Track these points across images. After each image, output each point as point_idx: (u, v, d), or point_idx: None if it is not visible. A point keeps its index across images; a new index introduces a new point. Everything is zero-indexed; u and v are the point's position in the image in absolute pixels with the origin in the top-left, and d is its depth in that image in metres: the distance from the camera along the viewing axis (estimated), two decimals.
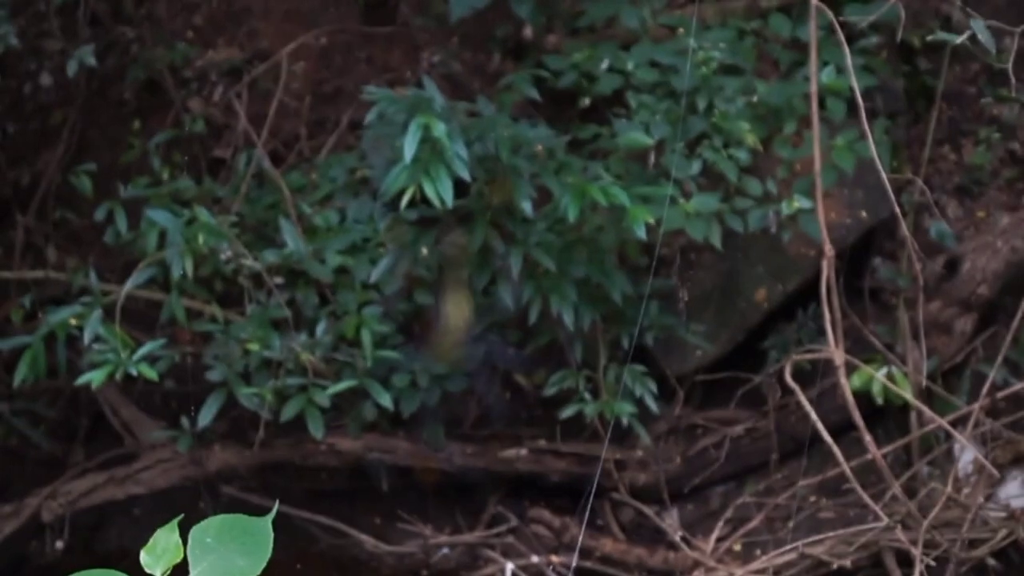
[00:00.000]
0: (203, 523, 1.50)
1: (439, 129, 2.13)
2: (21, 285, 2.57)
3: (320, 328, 2.36)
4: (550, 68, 2.55)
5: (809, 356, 2.39)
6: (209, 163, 2.73)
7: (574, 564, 2.49)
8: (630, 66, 2.51)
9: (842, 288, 2.37)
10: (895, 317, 2.57)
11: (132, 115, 2.84)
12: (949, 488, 2.32)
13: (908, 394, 2.32)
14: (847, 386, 2.19)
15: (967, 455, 2.53)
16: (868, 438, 2.19)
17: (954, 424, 2.33)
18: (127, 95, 2.85)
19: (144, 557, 1.48)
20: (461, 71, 2.86)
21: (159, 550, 1.48)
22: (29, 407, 2.62)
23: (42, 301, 2.46)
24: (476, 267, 2.35)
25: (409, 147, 2.11)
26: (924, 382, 2.44)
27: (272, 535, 1.49)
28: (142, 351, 2.18)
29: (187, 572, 1.42)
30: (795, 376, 2.26)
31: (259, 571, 1.47)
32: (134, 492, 2.50)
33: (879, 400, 2.33)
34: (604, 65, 2.53)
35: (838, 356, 2.22)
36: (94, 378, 2.15)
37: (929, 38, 2.46)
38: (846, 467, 2.16)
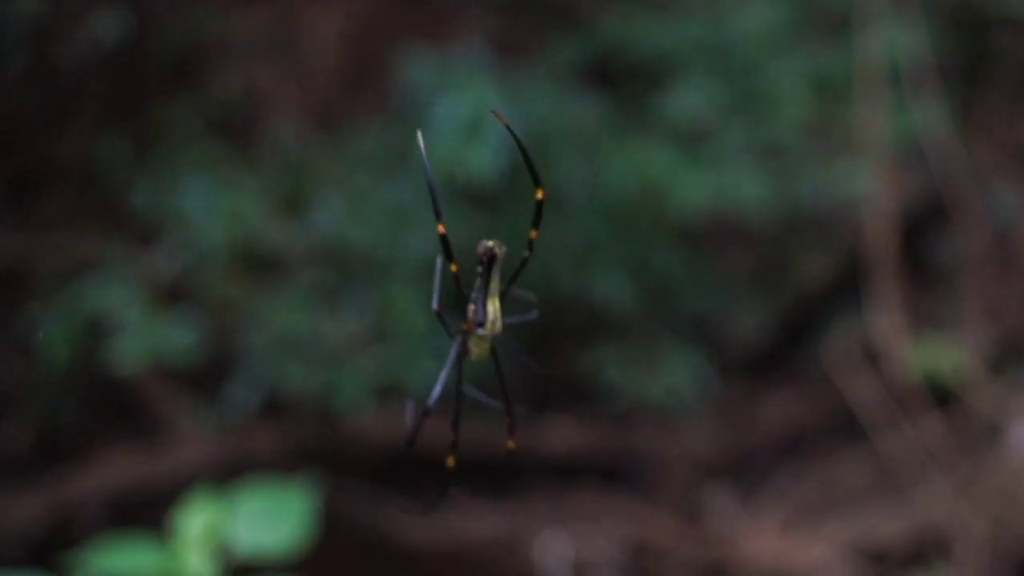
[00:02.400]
0: (244, 490, 1.54)
1: (486, 98, 2.14)
2: (43, 259, 2.61)
3: (356, 305, 2.39)
4: (595, 38, 2.57)
5: (863, 334, 2.40)
6: (242, 133, 2.76)
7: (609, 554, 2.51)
8: (678, 36, 2.52)
9: (901, 264, 2.37)
10: (956, 294, 2.57)
11: (161, 85, 2.87)
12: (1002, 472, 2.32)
13: (969, 374, 2.33)
14: (903, 364, 2.20)
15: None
16: (918, 422, 2.20)
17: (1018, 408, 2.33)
18: (156, 64, 2.89)
19: (179, 521, 1.53)
20: (504, 41, 2.88)
21: (196, 515, 1.52)
22: (58, 385, 2.67)
23: (64, 275, 2.49)
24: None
25: (452, 118, 2.12)
26: (985, 362, 2.44)
27: (314, 507, 1.53)
28: (171, 324, 2.21)
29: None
30: (853, 354, 2.27)
31: (300, 542, 1.52)
32: (167, 472, 2.55)
33: (939, 380, 2.33)
34: (651, 35, 2.55)
35: (895, 333, 2.23)
36: (124, 353, 2.18)
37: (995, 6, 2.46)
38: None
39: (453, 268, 0.91)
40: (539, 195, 0.90)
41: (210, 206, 2.27)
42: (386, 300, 2.37)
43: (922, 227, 2.68)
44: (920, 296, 2.61)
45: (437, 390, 0.95)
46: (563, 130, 2.33)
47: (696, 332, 2.48)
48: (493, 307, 0.94)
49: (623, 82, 2.59)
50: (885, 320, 2.28)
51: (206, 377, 2.58)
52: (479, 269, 0.94)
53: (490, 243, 0.94)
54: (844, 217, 2.55)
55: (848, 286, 2.59)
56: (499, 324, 0.94)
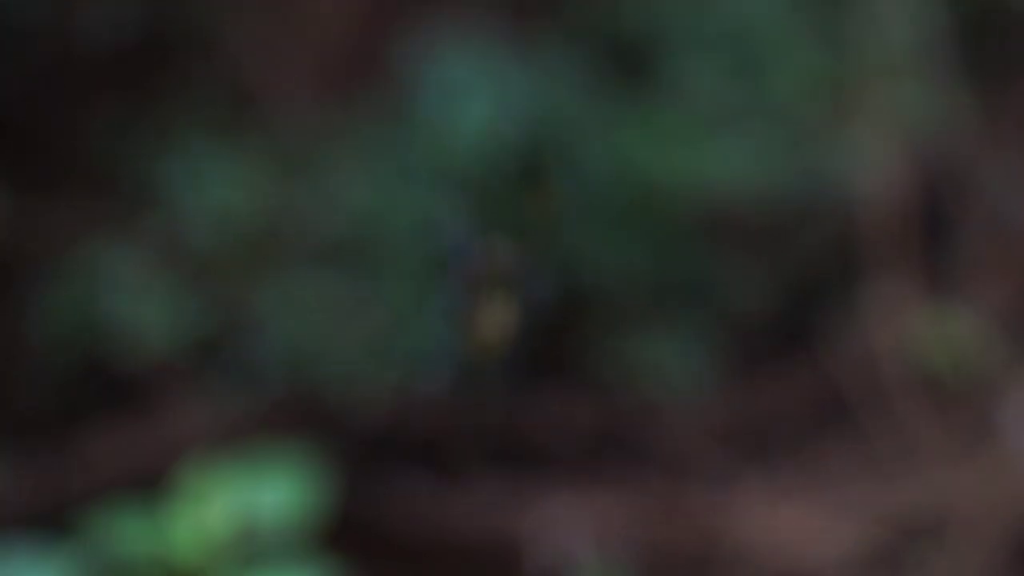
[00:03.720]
0: (245, 462, 1.55)
1: (502, 85, 2.12)
2: (38, 229, 2.60)
3: (371, 295, 2.37)
4: (595, 24, 2.55)
5: (864, 312, 2.41)
6: (251, 109, 2.75)
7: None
8: (684, 23, 2.50)
9: (907, 235, 2.36)
10: (968, 276, 2.58)
11: (167, 61, 2.86)
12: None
13: (981, 352, 2.33)
14: (909, 341, 2.21)
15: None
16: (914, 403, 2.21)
17: None
18: (163, 39, 2.87)
19: (177, 494, 1.54)
20: (512, 26, 2.87)
21: (195, 487, 1.54)
22: (54, 360, 2.67)
23: (61, 245, 2.48)
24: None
25: (470, 104, 2.11)
26: (990, 337, 2.44)
27: (320, 480, 1.54)
28: (174, 296, 2.20)
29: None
30: (865, 330, 2.27)
31: (299, 518, 1.53)
32: (164, 447, 2.56)
33: (950, 358, 2.33)
34: (655, 22, 2.53)
35: (906, 309, 2.24)
36: (130, 326, 2.17)
37: None
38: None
39: None
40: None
41: (216, 175, 2.25)
42: (386, 294, 2.35)
43: (931, 197, 2.67)
44: (926, 269, 2.61)
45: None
46: (560, 126, 2.31)
47: (698, 303, 2.48)
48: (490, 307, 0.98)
49: (625, 71, 2.59)
50: (887, 294, 2.28)
51: (208, 357, 2.59)
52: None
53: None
54: (849, 187, 2.55)
55: (856, 269, 2.60)
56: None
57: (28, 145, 2.75)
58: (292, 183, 2.39)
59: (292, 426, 2.60)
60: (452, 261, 2.41)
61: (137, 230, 2.32)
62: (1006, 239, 2.59)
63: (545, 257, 2.39)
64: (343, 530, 2.62)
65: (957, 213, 2.65)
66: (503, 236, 2.37)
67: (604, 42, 2.54)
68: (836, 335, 2.47)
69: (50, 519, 2.59)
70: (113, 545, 1.39)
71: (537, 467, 2.67)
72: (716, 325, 2.49)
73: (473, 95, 2.12)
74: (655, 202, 2.37)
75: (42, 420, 2.67)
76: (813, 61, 2.48)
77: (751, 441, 2.61)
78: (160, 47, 2.80)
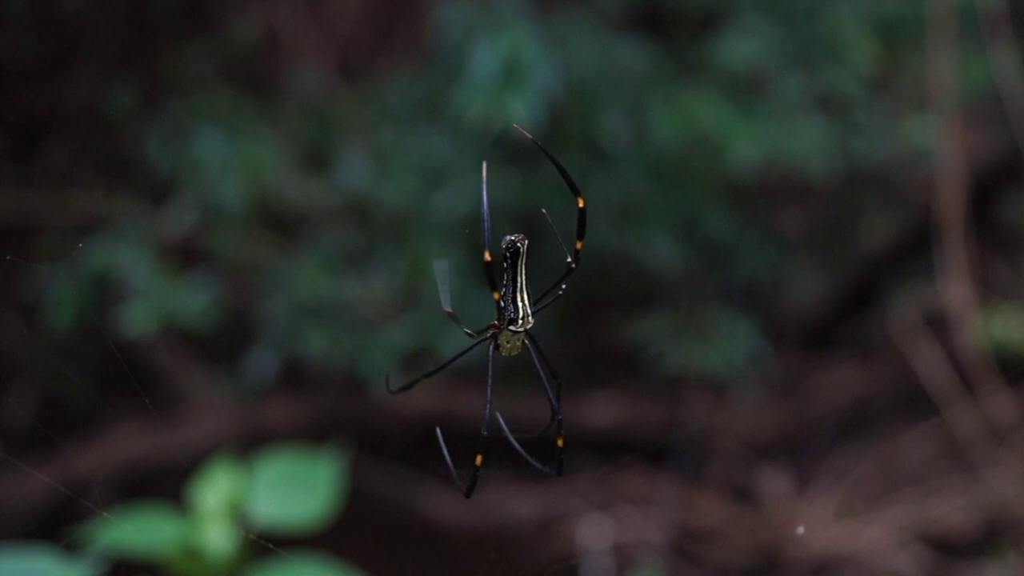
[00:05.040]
0: (266, 460, 1.50)
1: (524, 45, 2.09)
2: (47, 217, 2.59)
3: (383, 269, 2.35)
4: None
5: (930, 302, 2.35)
6: (261, 82, 2.72)
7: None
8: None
9: (972, 226, 2.32)
10: None
11: (173, 31, 2.83)
12: None
13: None
14: (974, 334, 2.15)
15: None
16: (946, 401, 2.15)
17: None
18: (168, 8, 2.84)
19: (198, 490, 1.48)
20: None
21: (214, 485, 1.47)
22: (63, 352, 2.65)
23: (71, 233, 2.46)
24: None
25: (484, 65, 2.07)
26: None
27: (339, 478, 1.48)
28: (184, 284, 2.18)
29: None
30: (920, 323, 2.22)
31: (324, 514, 1.47)
32: (181, 445, 2.53)
33: (1012, 351, 2.28)
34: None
35: (964, 301, 2.18)
36: (135, 316, 2.15)
37: None
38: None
39: (496, 296, 0.96)
40: (580, 204, 0.95)
41: (226, 158, 2.23)
42: (415, 262, 2.33)
43: (996, 186, 2.62)
44: (992, 260, 2.56)
45: (487, 413, 1.00)
46: (607, 79, 2.27)
47: (750, 298, 2.43)
48: (523, 302, 0.98)
49: (672, 27, 2.53)
50: (955, 286, 2.22)
51: (223, 345, 2.55)
52: (505, 265, 0.97)
53: (513, 237, 0.97)
54: (911, 175, 2.49)
55: (915, 250, 2.54)
56: (531, 320, 0.98)
57: (49, 121, 2.73)
58: (302, 167, 2.36)
59: (311, 423, 2.57)
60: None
61: (134, 212, 2.29)
62: None
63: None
64: (372, 519, 2.59)
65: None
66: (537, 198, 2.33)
67: (640, 6, 2.50)
68: (899, 327, 2.42)
69: (73, 514, 2.57)
70: (138, 540, 1.37)
71: (568, 469, 2.63)
72: (767, 316, 2.44)
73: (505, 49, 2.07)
74: (692, 177, 2.33)
75: (63, 414, 2.65)
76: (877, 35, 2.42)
77: (802, 444, 2.56)
78: (191, 11, 2.77)
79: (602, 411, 2.58)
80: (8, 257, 2.17)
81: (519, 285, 0.98)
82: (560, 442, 1.10)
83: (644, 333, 2.40)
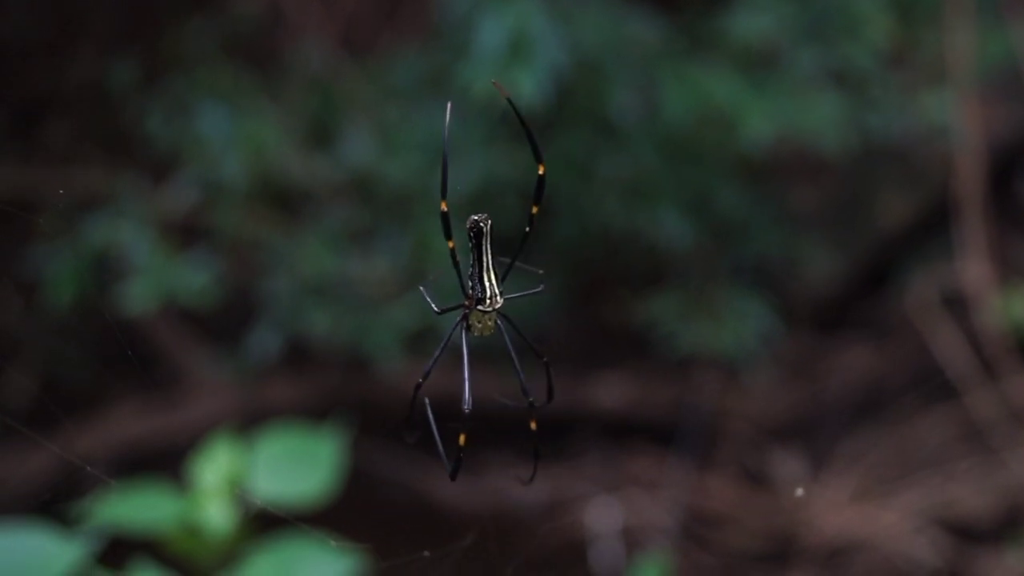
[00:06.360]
0: (268, 438, 1.51)
1: (531, 19, 2.09)
2: (48, 194, 2.59)
3: (388, 247, 2.35)
4: None
5: (947, 282, 2.35)
6: (263, 58, 2.73)
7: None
8: None
9: (990, 204, 2.32)
10: None
11: (175, 6, 2.84)
12: None
13: None
14: (992, 315, 2.15)
15: None
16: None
17: None
18: None
19: (197, 469, 1.49)
20: None
21: (214, 462, 1.49)
22: (63, 330, 2.66)
23: (72, 210, 2.46)
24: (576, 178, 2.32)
25: (491, 40, 2.07)
26: None
27: (340, 456, 1.49)
28: (185, 262, 2.18)
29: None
30: (939, 304, 2.23)
31: (325, 491, 1.48)
32: (182, 425, 2.54)
33: None
34: None
35: (982, 280, 2.18)
36: (135, 294, 2.16)
37: None
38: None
39: (451, 245, 0.95)
40: (540, 171, 0.95)
41: (229, 134, 2.23)
42: (419, 241, 2.33)
43: (1015, 163, 2.62)
44: (1012, 238, 2.55)
45: (467, 394, 1.01)
46: (616, 53, 2.27)
47: (762, 277, 2.43)
48: (490, 282, 0.99)
49: (684, 1, 2.53)
50: (973, 265, 2.22)
51: (225, 323, 2.56)
52: (470, 244, 0.98)
53: (476, 217, 0.97)
54: (928, 151, 2.49)
55: (931, 228, 2.54)
56: (499, 299, 0.99)
57: (52, 99, 2.73)
58: (305, 143, 2.37)
59: (313, 402, 2.58)
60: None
61: (135, 189, 2.30)
62: None
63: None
64: (375, 500, 2.59)
65: None
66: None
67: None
68: (915, 307, 2.42)
69: (77, 493, 2.58)
70: (137, 517, 1.38)
71: (576, 451, 2.63)
72: (780, 295, 2.44)
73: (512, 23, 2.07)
74: (703, 152, 2.33)
75: (63, 393, 2.66)
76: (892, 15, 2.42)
77: (816, 426, 2.56)
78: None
79: (611, 392, 2.59)
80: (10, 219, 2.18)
81: (485, 265, 0.98)
82: (533, 425, 1.11)
83: (654, 312, 2.40)
